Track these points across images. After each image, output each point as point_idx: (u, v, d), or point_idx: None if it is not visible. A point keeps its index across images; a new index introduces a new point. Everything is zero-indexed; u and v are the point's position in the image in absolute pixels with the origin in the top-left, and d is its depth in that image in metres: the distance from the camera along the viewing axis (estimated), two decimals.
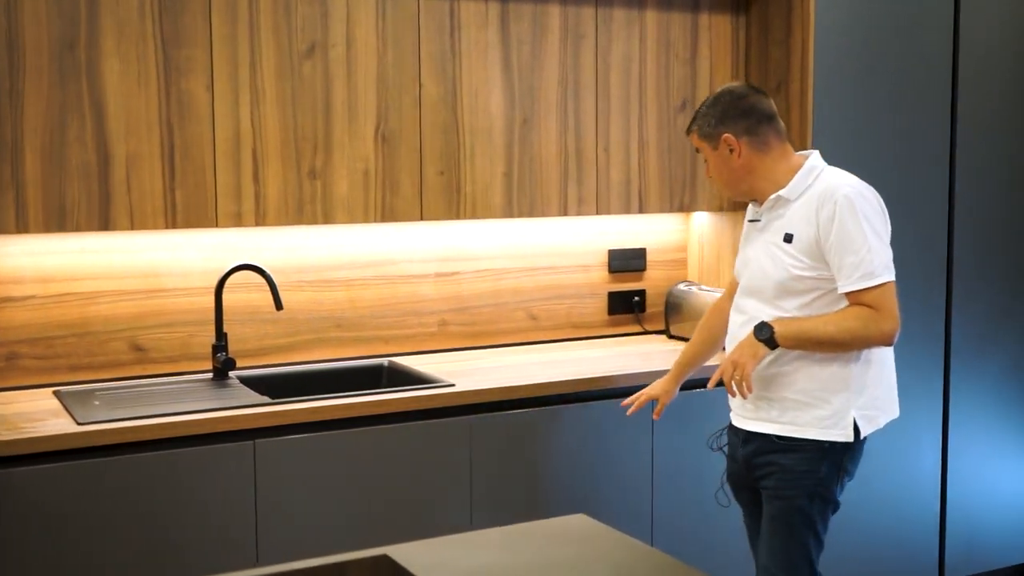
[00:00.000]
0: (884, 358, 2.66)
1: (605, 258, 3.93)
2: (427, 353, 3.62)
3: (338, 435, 2.92)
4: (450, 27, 3.32)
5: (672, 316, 3.91)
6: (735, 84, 2.78)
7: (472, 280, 3.71)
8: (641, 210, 3.66)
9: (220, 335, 3.21)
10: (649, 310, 4.01)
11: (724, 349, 2.85)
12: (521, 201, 3.47)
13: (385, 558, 1.80)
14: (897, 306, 2.55)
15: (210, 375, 3.23)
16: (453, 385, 3.12)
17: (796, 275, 2.58)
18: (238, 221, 3.11)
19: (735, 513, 3.52)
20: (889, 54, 3.66)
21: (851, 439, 2.59)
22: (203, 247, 3.30)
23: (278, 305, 3.19)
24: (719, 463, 3.46)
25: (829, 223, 2.52)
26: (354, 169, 3.23)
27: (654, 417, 3.01)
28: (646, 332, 3.99)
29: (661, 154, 3.68)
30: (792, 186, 2.62)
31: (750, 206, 2.77)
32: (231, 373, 3.22)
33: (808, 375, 2.60)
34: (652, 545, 3.36)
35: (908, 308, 3.70)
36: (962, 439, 3.90)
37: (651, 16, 3.62)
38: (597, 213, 3.59)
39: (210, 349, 3.26)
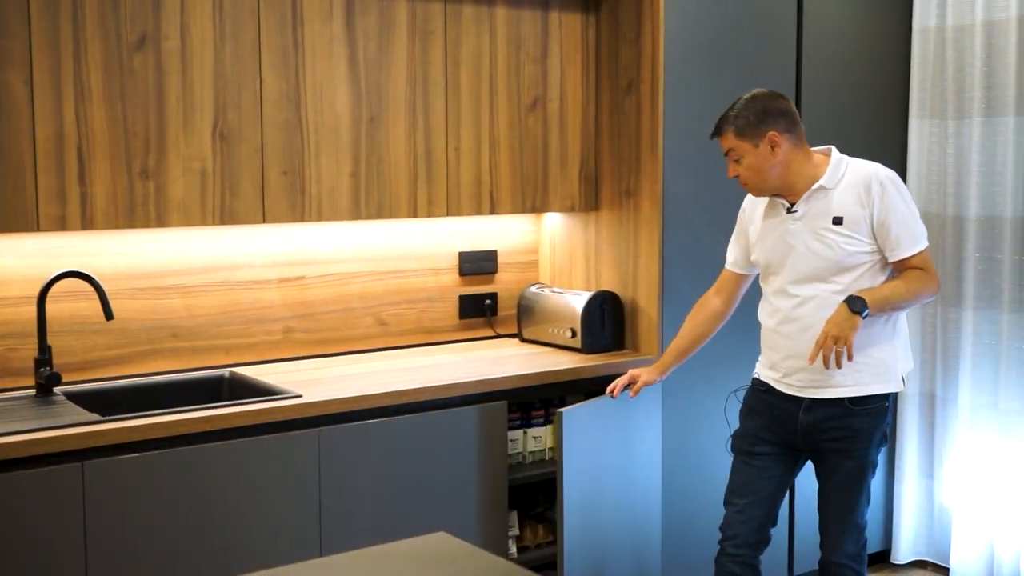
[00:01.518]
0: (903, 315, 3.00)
1: (455, 261, 3.83)
2: (271, 362, 3.44)
3: (176, 453, 2.73)
4: (292, 20, 3.16)
5: (524, 319, 3.84)
6: (759, 89, 2.95)
7: (318, 285, 3.55)
8: (493, 211, 3.57)
9: (43, 348, 2.97)
10: (501, 313, 3.93)
11: (767, 330, 3.02)
12: (369, 202, 3.34)
13: None
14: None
15: (33, 392, 2.98)
16: (300, 396, 2.97)
17: (850, 251, 2.86)
18: (62, 225, 2.88)
19: (593, 519, 3.47)
20: (736, 51, 3.68)
21: (902, 387, 2.96)
22: (22, 253, 3.04)
23: (108, 315, 2.97)
24: (583, 471, 3.40)
25: (880, 201, 2.85)
26: (190, 169, 3.03)
27: (631, 395, 3.19)
28: (498, 336, 3.91)
29: (513, 154, 3.60)
30: (828, 176, 2.90)
31: (770, 199, 2.98)
32: (56, 389, 2.98)
33: (863, 336, 2.83)
34: (508, 557, 3.28)
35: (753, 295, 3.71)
36: None
37: (501, 13, 3.53)
38: (448, 215, 3.49)
39: (32, 364, 3.00)
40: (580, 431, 3.18)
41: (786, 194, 2.93)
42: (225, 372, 3.30)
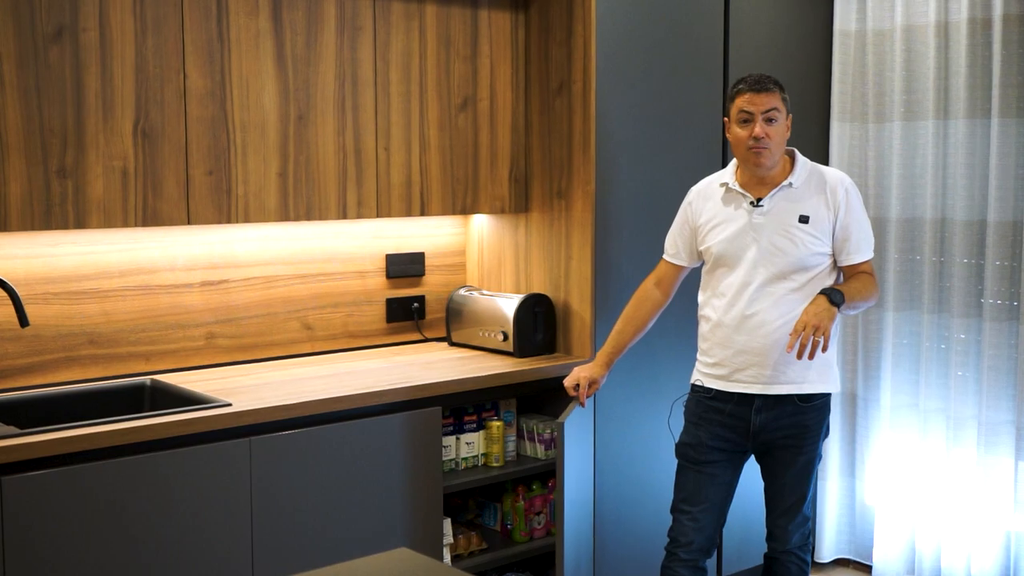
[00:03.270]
0: None
1: (382, 263, 3.74)
2: (193, 369, 3.31)
3: (100, 467, 2.59)
4: (217, 12, 3.03)
5: (453, 322, 3.77)
6: None
7: (241, 289, 3.42)
8: (423, 212, 3.49)
9: None
10: (429, 316, 3.85)
11: (718, 326, 2.98)
12: (298, 204, 3.23)
13: None
14: None
15: None
16: (229, 404, 2.85)
17: (813, 251, 2.90)
18: None
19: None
20: (666, 53, 3.66)
21: (838, 387, 3.04)
22: None
23: (23, 321, 2.80)
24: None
25: (846, 205, 2.92)
26: (111, 168, 2.89)
27: (581, 404, 3.16)
28: (426, 339, 3.83)
29: (443, 154, 3.52)
30: (796, 176, 2.95)
31: (727, 192, 2.98)
32: None
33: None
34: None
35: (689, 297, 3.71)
36: None
37: (431, 9, 3.45)
38: (378, 216, 3.39)
39: None
40: (577, 440, 3.28)
41: (755, 183, 2.95)
42: (146, 380, 3.15)
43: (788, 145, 3.00)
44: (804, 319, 2.77)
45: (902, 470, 4.03)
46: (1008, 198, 3.71)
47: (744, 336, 2.93)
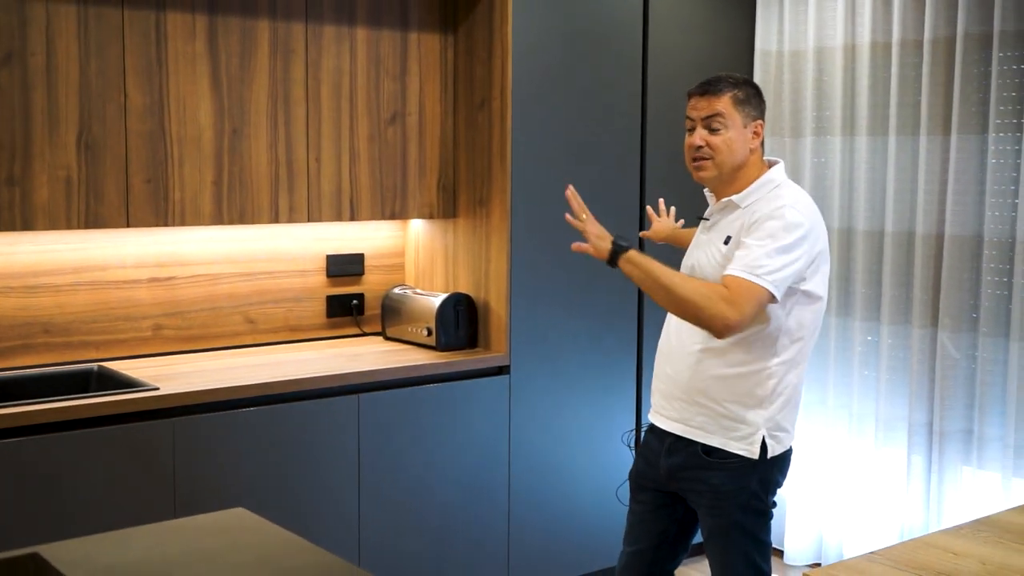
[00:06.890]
0: (799, 383, 2.65)
1: (323, 263, 4.08)
2: (140, 358, 3.67)
3: (37, 441, 2.94)
4: (156, 38, 3.39)
5: (388, 318, 4.10)
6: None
7: (187, 285, 3.78)
8: (353, 217, 3.83)
9: None
10: (368, 313, 4.18)
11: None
12: (231, 208, 3.57)
13: (35, 556, 1.89)
14: (751, 311, 2.45)
15: None
16: (157, 388, 3.19)
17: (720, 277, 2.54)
18: None
19: (434, 518, 3.71)
20: (583, 71, 3.96)
21: (756, 456, 2.56)
22: None
23: None
24: (430, 463, 3.65)
25: (749, 228, 2.52)
26: (55, 177, 3.25)
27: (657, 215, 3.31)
28: (364, 334, 4.16)
29: (372, 164, 3.85)
30: (745, 193, 2.60)
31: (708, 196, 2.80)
32: None
33: (740, 386, 2.57)
34: (358, 548, 3.53)
35: (607, 312, 3.99)
36: None
37: (361, 33, 3.78)
38: (309, 220, 3.73)
39: None
40: (379, 419, 3.48)
41: (721, 187, 2.66)
42: (94, 366, 3.51)
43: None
44: (592, 229, 2.56)
45: (810, 464, 4.29)
46: (904, 210, 3.96)
47: (662, 362, 2.73)
